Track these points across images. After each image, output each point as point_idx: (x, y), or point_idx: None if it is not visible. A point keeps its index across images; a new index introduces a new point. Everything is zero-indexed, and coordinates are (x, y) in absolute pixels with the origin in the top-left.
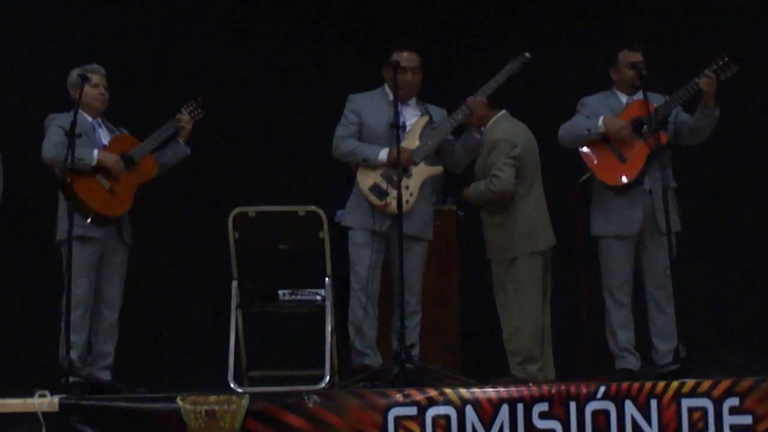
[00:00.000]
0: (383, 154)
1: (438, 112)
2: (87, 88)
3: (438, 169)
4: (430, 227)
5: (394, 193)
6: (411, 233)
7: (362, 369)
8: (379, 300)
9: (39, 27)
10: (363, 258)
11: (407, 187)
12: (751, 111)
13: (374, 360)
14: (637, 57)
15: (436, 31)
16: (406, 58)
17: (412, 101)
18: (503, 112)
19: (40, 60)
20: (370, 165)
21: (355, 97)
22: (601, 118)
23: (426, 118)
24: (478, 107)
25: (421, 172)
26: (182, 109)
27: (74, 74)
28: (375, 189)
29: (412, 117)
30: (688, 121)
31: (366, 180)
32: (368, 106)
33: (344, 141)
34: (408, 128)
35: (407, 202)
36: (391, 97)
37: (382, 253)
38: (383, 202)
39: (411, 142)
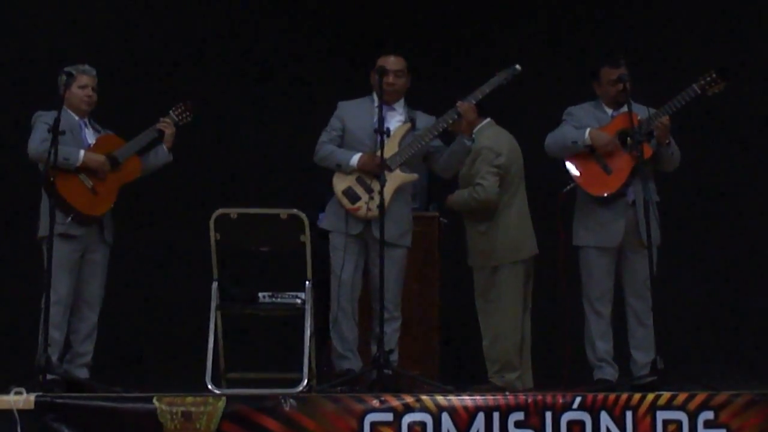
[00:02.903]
0: (354, 160)
1: (427, 120)
2: (74, 89)
3: (413, 177)
4: (408, 235)
5: (366, 197)
6: (386, 239)
7: (343, 373)
8: (361, 306)
9: (30, 24)
10: (339, 261)
11: (380, 193)
12: (733, 127)
13: (354, 364)
14: (619, 73)
15: (427, 40)
16: (390, 61)
17: (400, 107)
18: (488, 120)
19: (30, 56)
20: (343, 170)
21: (342, 104)
22: (588, 131)
23: (407, 125)
24: (468, 112)
25: (395, 178)
26: (170, 112)
27: (62, 72)
28: (348, 193)
29: (396, 123)
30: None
31: (341, 184)
32: (353, 112)
33: (323, 146)
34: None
35: (377, 207)
36: (377, 102)
37: (360, 257)
38: (354, 206)
39: (390, 148)
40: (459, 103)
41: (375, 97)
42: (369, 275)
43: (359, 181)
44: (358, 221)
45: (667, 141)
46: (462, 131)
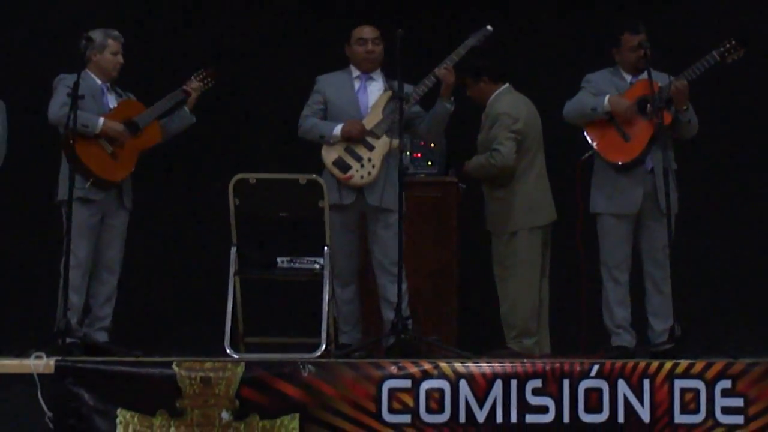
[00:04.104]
0: (337, 130)
1: (406, 87)
2: (107, 54)
3: (399, 143)
4: (397, 199)
5: (357, 165)
6: (377, 204)
7: (343, 346)
8: (364, 274)
9: None
10: (335, 234)
11: (369, 160)
12: (753, 94)
13: (353, 338)
14: (639, 39)
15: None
16: (366, 31)
17: (378, 77)
18: (506, 86)
19: (54, 19)
20: (327, 141)
21: (320, 78)
22: (607, 98)
23: (389, 93)
24: (446, 76)
25: (383, 145)
26: (192, 77)
27: (95, 35)
28: (338, 163)
29: (376, 92)
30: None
31: (330, 155)
32: (333, 85)
33: (306, 119)
34: (371, 103)
35: (369, 173)
36: (354, 73)
37: (357, 228)
38: (347, 175)
39: (374, 116)
40: (436, 69)
41: (353, 68)
42: (368, 244)
43: (348, 150)
44: (350, 191)
45: (685, 107)
46: (442, 95)
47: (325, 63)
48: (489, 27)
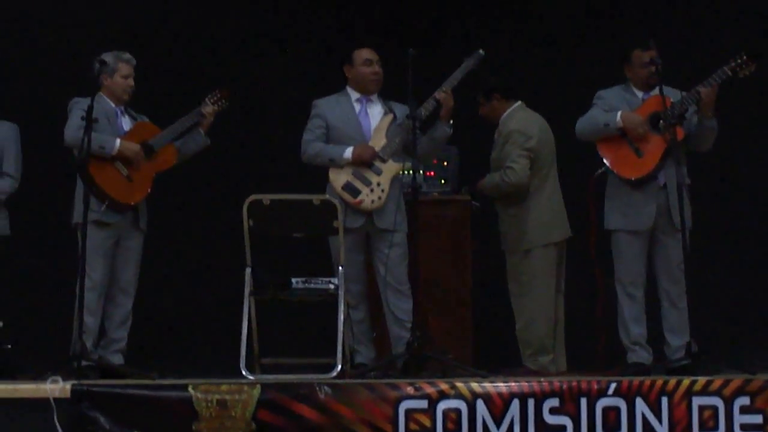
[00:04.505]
0: (348, 153)
1: (401, 109)
2: (117, 78)
3: (405, 165)
4: (405, 220)
5: (366, 190)
6: (385, 227)
7: (357, 366)
8: (369, 294)
9: (67, 10)
10: (343, 257)
11: (378, 184)
12: (765, 109)
13: (366, 357)
14: (650, 55)
15: (450, 28)
16: (370, 52)
17: (376, 99)
18: (519, 103)
19: (67, 42)
20: (337, 164)
21: (319, 102)
22: (619, 113)
23: (390, 116)
24: (447, 100)
25: (391, 168)
26: (206, 99)
27: (107, 59)
28: (348, 187)
29: (376, 114)
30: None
31: (339, 179)
32: (334, 109)
33: (310, 145)
34: (373, 126)
35: (379, 198)
36: (354, 97)
37: (362, 251)
38: (357, 200)
39: (378, 140)
40: (437, 93)
41: (351, 91)
42: (373, 263)
43: (356, 174)
44: (358, 214)
45: (710, 114)
46: (441, 118)
47: (334, 84)
48: (481, 51)
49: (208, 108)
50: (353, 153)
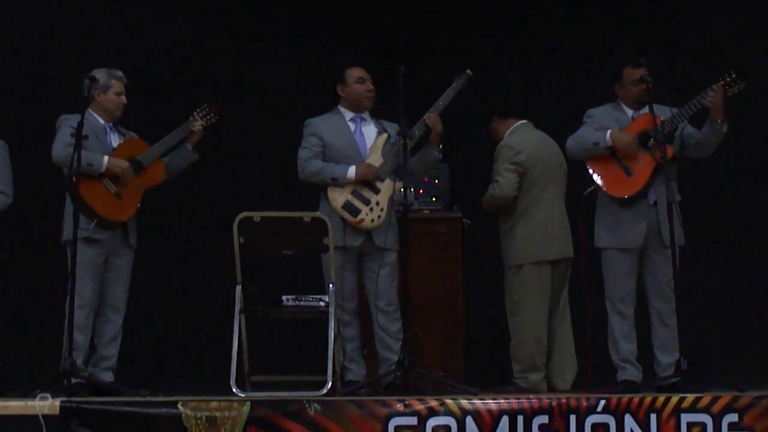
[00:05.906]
0: (351, 172)
1: (392, 128)
2: (111, 95)
3: (400, 185)
4: (397, 239)
5: (366, 209)
6: (381, 245)
7: (348, 383)
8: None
9: (53, 27)
10: (338, 275)
11: (377, 203)
12: (755, 125)
13: (357, 374)
14: (641, 73)
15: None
16: (362, 70)
17: (369, 118)
18: (523, 122)
19: (54, 59)
20: (339, 183)
21: (312, 122)
22: (609, 132)
23: (385, 135)
24: (436, 124)
25: (388, 187)
26: (195, 114)
27: (99, 76)
28: (348, 206)
29: (371, 133)
30: (695, 134)
31: (338, 198)
32: (329, 128)
33: (309, 162)
34: (369, 145)
35: (379, 217)
36: (347, 116)
37: (356, 269)
38: (357, 219)
39: (375, 159)
40: (426, 116)
41: (343, 110)
42: (366, 283)
43: (355, 194)
44: (357, 234)
45: (720, 119)
46: (431, 142)
47: (324, 102)
48: (468, 71)
49: (197, 123)
50: (357, 172)
